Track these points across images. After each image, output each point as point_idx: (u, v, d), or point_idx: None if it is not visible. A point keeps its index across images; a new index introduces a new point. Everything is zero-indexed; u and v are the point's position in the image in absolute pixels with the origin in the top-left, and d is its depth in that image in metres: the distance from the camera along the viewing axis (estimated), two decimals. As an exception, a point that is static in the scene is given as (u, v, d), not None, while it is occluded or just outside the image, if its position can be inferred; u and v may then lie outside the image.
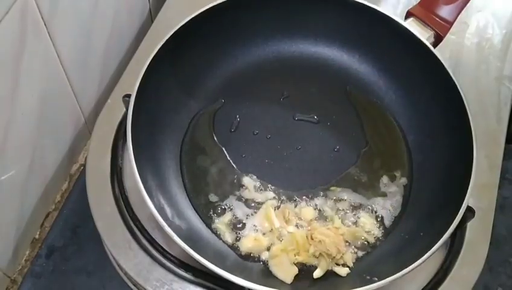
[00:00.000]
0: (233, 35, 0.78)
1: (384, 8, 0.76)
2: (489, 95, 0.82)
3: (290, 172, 0.73)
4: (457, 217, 0.60)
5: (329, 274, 0.65)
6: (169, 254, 0.63)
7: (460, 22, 0.80)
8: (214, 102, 0.78)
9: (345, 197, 0.71)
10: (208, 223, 0.68)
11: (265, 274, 0.64)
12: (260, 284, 0.56)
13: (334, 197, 0.70)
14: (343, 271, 0.64)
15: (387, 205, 0.71)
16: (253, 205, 0.69)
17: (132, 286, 0.68)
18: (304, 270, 0.65)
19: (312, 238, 0.64)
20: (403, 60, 0.77)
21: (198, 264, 0.57)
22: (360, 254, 0.67)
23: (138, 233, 0.65)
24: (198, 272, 0.62)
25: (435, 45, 0.75)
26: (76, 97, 0.75)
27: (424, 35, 0.74)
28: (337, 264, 0.65)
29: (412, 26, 0.75)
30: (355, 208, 0.70)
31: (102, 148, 0.71)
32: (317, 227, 0.66)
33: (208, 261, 0.56)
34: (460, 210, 0.61)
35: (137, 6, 0.87)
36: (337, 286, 0.64)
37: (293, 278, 0.63)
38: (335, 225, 0.67)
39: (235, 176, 0.72)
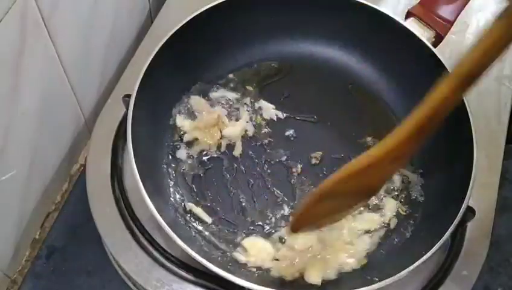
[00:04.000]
0: (233, 35, 0.78)
1: (384, 8, 0.76)
2: (489, 95, 0.82)
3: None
4: (457, 217, 0.60)
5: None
6: (170, 254, 0.63)
7: (460, 21, 0.80)
8: (214, 102, 0.78)
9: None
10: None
11: (266, 274, 0.64)
12: (260, 285, 0.56)
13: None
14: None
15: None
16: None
17: (132, 286, 0.68)
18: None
19: None
20: (403, 59, 0.77)
21: (198, 264, 0.57)
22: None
23: (138, 233, 0.65)
24: (199, 273, 0.62)
25: (435, 44, 0.75)
26: (77, 97, 0.75)
27: (424, 35, 0.74)
28: None
29: (412, 26, 0.75)
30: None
31: (102, 148, 0.71)
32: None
33: (209, 262, 0.56)
34: (461, 210, 0.61)
35: (137, 6, 0.87)
36: (338, 286, 0.64)
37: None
38: None
39: (235, 176, 0.72)
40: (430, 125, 0.51)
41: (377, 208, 0.70)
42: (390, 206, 0.70)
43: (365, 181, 0.56)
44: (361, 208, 0.69)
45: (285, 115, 0.77)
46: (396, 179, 0.72)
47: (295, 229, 0.61)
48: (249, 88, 0.79)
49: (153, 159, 0.70)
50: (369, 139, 0.76)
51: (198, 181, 0.71)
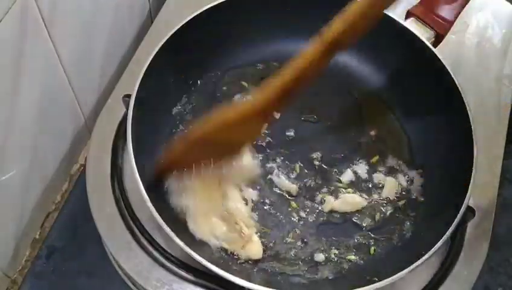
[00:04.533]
0: (233, 35, 0.78)
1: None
2: (489, 95, 0.82)
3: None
4: (457, 217, 0.60)
5: (330, 275, 0.65)
6: (170, 254, 0.63)
7: (460, 21, 0.80)
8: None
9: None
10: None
11: (266, 275, 0.64)
12: (260, 285, 0.56)
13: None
14: None
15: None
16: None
17: (132, 286, 0.68)
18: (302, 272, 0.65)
19: None
20: (403, 59, 0.77)
21: (198, 264, 0.57)
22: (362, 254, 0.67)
23: (138, 233, 0.65)
24: (199, 273, 0.62)
25: (435, 44, 0.75)
26: (77, 97, 0.75)
27: (424, 35, 0.74)
28: None
29: (412, 26, 0.75)
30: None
31: (102, 148, 0.71)
32: None
33: (209, 262, 0.56)
34: (461, 210, 0.61)
35: (137, 6, 0.87)
36: (337, 287, 0.64)
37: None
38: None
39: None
40: (297, 86, 0.55)
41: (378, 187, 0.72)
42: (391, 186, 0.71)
43: (234, 133, 0.59)
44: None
45: (284, 115, 0.77)
46: (402, 178, 0.73)
47: (160, 174, 0.64)
48: (249, 88, 0.79)
49: (153, 159, 0.70)
50: (369, 139, 0.76)
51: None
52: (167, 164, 0.63)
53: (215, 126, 0.58)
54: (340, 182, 0.72)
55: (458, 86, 0.69)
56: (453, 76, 0.70)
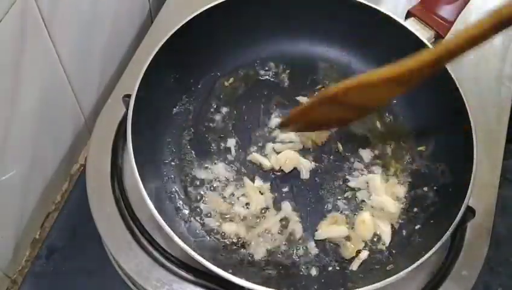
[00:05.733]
0: (233, 35, 0.78)
1: (384, 8, 0.76)
2: (489, 95, 0.82)
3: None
4: (457, 217, 0.60)
5: (330, 275, 0.65)
6: (170, 254, 0.63)
7: (460, 21, 0.80)
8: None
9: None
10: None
11: (265, 274, 0.64)
12: (260, 285, 0.56)
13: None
14: None
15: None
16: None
17: (132, 286, 0.68)
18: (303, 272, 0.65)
19: None
20: (403, 60, 0.77)
21: (198, 264, 0.57)
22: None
23: (138, 233, 0.65)
24: (199, 273, 0.62)
25: (435, 44, 0.75)
26: (76, 97, 0.75)
27: (424, 35, 0.74)
28: None
29: (413, 25, 0.75)
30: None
31: (102, 148, 0.71)
32: None
33: (209, 262, 0.56)
34: (461, 210, 0.61)
35: (137, 6, 0.87)
36: (337, 287, 0.64)
37: None
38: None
39: (235, 176, 0.72)
40: (435, 67, 0.57)
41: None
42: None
43: (367, 97, 0.61)
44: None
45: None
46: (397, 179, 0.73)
47: (286, 124, 0.69)
48: (249, 88, 0.79)
49: (153, 159, 0.70)
50: (370, 139, 0.76)
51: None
52: (298, 114, 0.67)
53: (356, 87, 0.60)
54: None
55: (458, 86, 0.69)
56: (453, 76, 0.70)
